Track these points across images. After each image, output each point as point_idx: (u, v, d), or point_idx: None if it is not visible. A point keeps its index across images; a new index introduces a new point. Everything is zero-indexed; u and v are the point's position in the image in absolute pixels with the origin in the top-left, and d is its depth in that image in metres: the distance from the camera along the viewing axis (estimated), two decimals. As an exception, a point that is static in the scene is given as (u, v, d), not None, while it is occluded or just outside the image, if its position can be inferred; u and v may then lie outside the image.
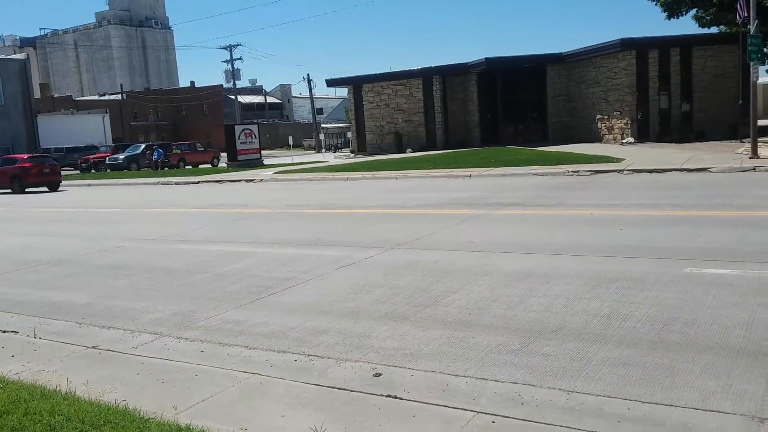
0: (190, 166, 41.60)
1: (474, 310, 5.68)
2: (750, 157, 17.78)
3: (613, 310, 5.41)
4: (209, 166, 42.33)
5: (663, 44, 29.21)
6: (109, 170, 40.97)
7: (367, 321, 5.64)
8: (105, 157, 43.95)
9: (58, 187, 28.86)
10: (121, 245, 10.83)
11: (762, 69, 28.39)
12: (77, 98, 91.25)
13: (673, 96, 29.44)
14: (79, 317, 6.38)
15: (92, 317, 6.36)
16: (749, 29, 19.28)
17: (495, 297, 6.04)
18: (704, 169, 16.43)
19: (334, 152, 48.35)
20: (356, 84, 38.81)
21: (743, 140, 22.36)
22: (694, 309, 5.30)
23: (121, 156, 42.71)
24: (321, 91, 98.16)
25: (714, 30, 33.08)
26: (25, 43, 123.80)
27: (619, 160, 19.73)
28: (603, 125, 30.90)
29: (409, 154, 33.24)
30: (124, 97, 77.61)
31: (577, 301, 5.71)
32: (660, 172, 16.91)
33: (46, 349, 5.38)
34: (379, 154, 35.88)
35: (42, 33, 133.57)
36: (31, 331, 5.89)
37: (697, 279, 6.20)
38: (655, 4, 30.72)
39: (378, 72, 38.73)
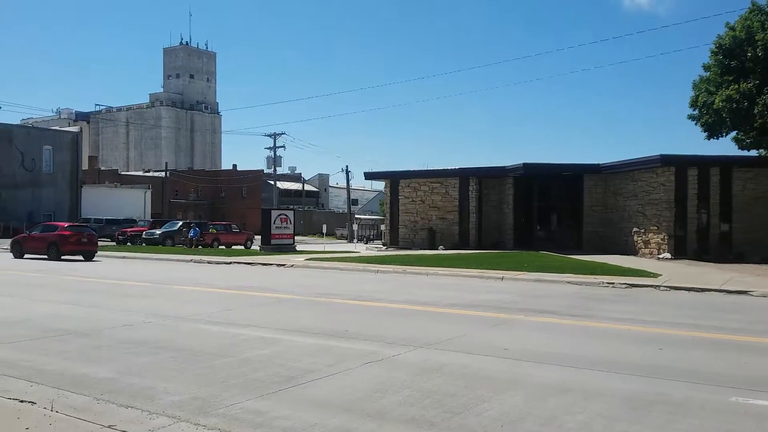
0: (223, 247, 42.03)
1: (507, 423, 5.39)
2: (793, 283, 17.27)
3: (656, 436, 5.09)
4: (242, 247, 42.69)
5: (703, 163, 29.11)
6: (144, 244, 41.62)
7: (393, 424, 5.39)
8: (142, 231, 44.79)
9: (93, 257, 29.35)
10: (148, 321, 10.78)
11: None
12: (122, 172, 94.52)
13: (712, 215, 29.02)
14: (98, 392, 6.24)
15: (112, 393, 6.22)
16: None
17: (529, 410, 5.75)
18: (745, 292, 15.95)
19: (366, 243, 48.56)
20: (393, 178, 39.48)
21: (785, 265, 21.80)
22: (744, 443, 4.95)
23: (158, 231, 43.42)
24: (357, 182, 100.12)
25: (754, 153, 33.15)
26: (80, 117, 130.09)
27: (655, 276, 19.32)
28: (639, 239, 30.55)
29: (441, 252, 33.16)
30: (168, 174, 80.00)
31: (618, 423, 5.38)
32: (698, 291, 16.46)
33: (62, 424, 5.22)
34: (411, 249, 35.90)
35: (97, 109, 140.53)
36: (49, 403, 5.76)
37: (744, 410, 5.84)
38: (696, 124, 31.02)
39: (414, 168, 39.39)
